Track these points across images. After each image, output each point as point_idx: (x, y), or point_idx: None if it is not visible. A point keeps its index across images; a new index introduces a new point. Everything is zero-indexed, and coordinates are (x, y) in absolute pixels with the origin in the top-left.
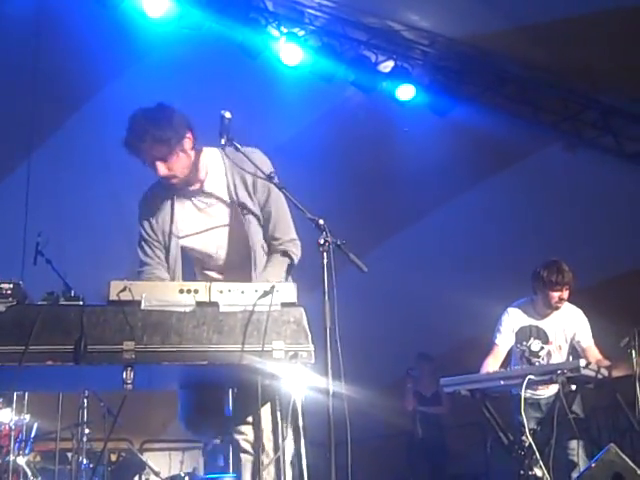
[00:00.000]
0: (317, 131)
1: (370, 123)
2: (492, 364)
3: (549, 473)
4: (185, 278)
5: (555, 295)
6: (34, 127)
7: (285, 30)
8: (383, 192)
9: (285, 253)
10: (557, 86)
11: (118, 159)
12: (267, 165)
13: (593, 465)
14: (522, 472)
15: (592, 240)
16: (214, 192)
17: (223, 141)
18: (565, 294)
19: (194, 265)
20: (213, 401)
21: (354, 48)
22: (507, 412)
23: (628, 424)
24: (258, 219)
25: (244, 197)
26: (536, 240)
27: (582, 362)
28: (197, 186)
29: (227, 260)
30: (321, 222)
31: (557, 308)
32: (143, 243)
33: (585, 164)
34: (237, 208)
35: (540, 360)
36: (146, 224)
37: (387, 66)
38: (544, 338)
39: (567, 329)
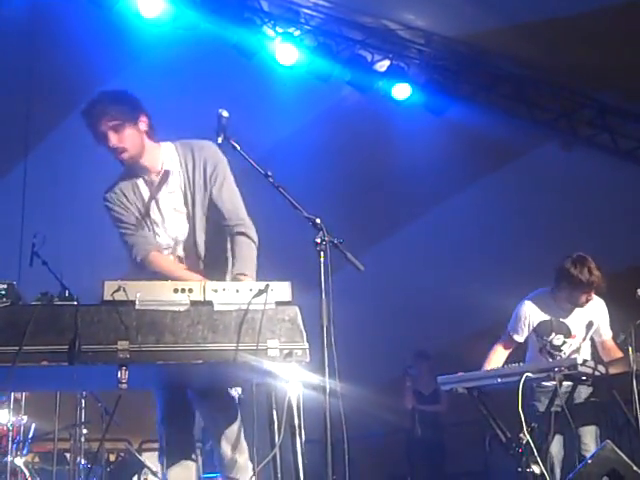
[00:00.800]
0: (313, 131)
1: (366, 122)
2: (501, 354)
3: (547, 470)
4: None
5: (583, 296)
6: (30, 128)
7: (280, 30)
8: (379, 191)
9: (244, 234)
10: (553, 84)
11: (115, 160)
12: (218, 156)
13: (589, 461)
14: (520, 469)
15: (589, 237)
16: (169, 187)
17: (220, 140)
18: (592, 295)
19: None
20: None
21: (350, 47)
22: (505, 409)
23: (625, 421)
24: (206, 216)
25: (198, 198)
26: (533, 238)
27: (579, 359)
28: (154, 176)
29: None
30: (318, 221)
31: (581, 307)
32: (123, 229)
33: (581, 162)
34: (188, 204)
35: (562, 354)
36: (117, 209)
37: (383, 65)
38: (566, 332)
39: (590, 322)
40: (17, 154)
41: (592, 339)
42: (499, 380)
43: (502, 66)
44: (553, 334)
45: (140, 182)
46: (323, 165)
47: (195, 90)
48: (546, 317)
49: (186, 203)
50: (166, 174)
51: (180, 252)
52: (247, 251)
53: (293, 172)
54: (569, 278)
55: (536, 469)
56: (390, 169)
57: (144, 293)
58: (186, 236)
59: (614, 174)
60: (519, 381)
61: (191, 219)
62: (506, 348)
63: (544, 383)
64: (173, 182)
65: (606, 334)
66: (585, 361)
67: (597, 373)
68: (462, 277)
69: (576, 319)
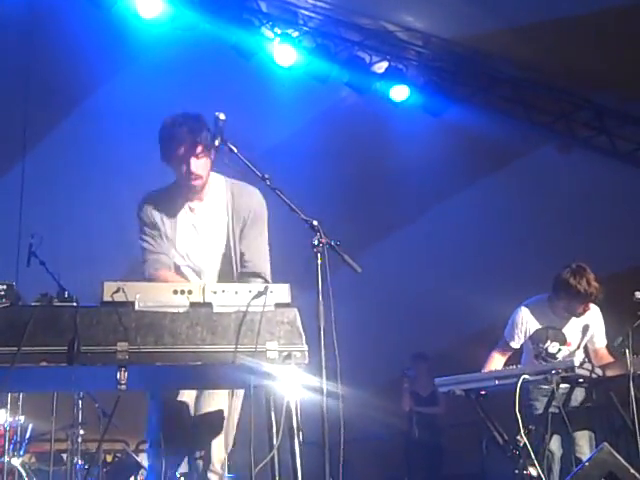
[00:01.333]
0: (311, 132)
1: (364, 123)
2: (498, 360)
3: (544, 472)
4: None
5: (581, 306)
6: (28, 128)
7: (279, 31)
8: (378, 192)
9: (263, 279)
10: (551, 86)
11: (113, 160)
12: (263, 208)
13: (587, 464)
14: (517, 471)
15: (587, 239)
16: (212, 219)
17: (217, 142)
18: (590, 305)
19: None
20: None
21: (348, 49)
22: (502, 411)
23: (622, 424)
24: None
25: (237, 234)
26: (531, 240)
27: (576, 361)
28: (198, 204)
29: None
30: (315, 223)
31: (578, 317)
32: (145, 236)
33: (579, 164)
34: (229, 244)
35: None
36: (147, 220)
37: (381, 67)
38: (562, 340)
39: (586, 330)
40: (15, 154)
41: (585, 346)
42: (497, 382)
43: (500, 68)
44: (549, 342)
45: (181, 206)
46: (320, 166)
47: (193, 91)
48: (542, 325)
49: (228, 241)
50: (212, 205)
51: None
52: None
53: (291, 173)
54: (568, 288)
55: (533, 471)
56: (388, 170)
57: (143, 294)
58: (211, 270)
59: (612, 176)
60: (516, 383)
61: (228, 255)
62: (503, 355)
63: (543, 386)
64: (215, 218)
65: (600, 342)
66: (582, 363)
67: (594, 376)
68: (460, 279)
69: (572, 327)
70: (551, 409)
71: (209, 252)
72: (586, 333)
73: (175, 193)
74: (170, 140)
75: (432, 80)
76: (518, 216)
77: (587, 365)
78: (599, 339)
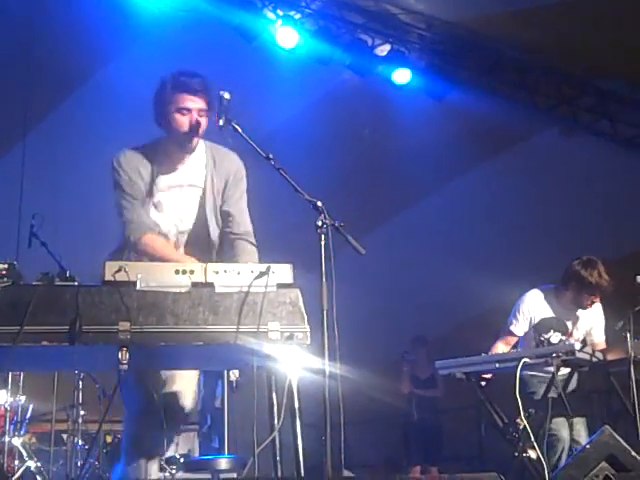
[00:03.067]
0: (313, 114)
1: (366, 106)
2: (501, 350)
3: (543, 455)
4: None
5: (590, 298)
6: (29, 109)
7: (281, 13)
8: (379, 176)
9: (250, 242)
10: (554, 70)
11: (114, 141)
12: (244, 172)
13: (587, 446)
14: (516, 454)
15: (588, 224)
16: (192, 179)
17: (222, 122)
18: (598, 298)
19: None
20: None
21: (350, 31)
22: (502, 394)
23: (623, 407)
24: (217, 217)
25: (218, 195)
26: (532, 224)
27: (577, 345)
28: (179, 164)
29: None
30: (319, 204)
31: (585, 308)
32: (123, 201)
33: (581, 148)
34: (204, 203)
35: None
36: (125, 177)
37: (383, 50)
38: (564, 331)
39: (588, 324)
40: (16, 136)
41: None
42: (497, 365)
43: (503, 51)
44: (552, 332)
45: (162, 162)
46: (322, 149)
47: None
48: (548, 314)
49: (202, 199)
50: (191, 167)
51: (183, 240)
52: (250, 256)
53: (293, 155)
54: (578, 279)
55: (532, 454)
56: (390, 153)
57: (145, 274)
58: (191, 228)
59: (614, 161)
60: (517, 367)
61: (203, 214)
62: (507, 344)
63: (539, 374)
64: (195, 177)
65: (598, 337)
66: (582, 347)
67: (594, 359)
68: (461, 263)
69: (574, 318)
70: (550, 394)
71: (184, 211)
72: (587, 326)
73: (160, 150)
74: (178, 86)
75: (434, 63)
76: (519, 200)
77: (587, 349)
78: (598, 334)
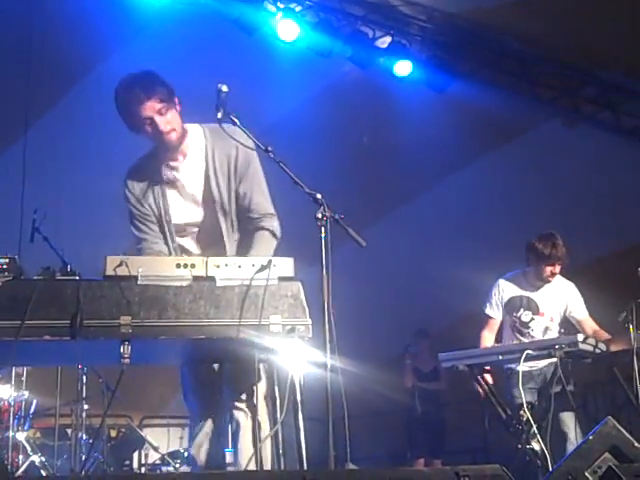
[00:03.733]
0: (314, 106)
1: (367, 98)
2: (488, 337)
3: (547, 447)
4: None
5: (548, 269)
6: (30, 104)
7: (282, 6)
8: (380, 168)
9: (267, 229)
10: (556, 62)
11: (115, 134)
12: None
13: (590, 437)
14: (519, 446)
15: (590, 215)
16: (190, 184)
17: (220, 115)
18: (557, 268)
19: (175, 240)
20: (211, 374)
21: (351, 24)
22: (503, 387)
23: (626, 398)
24: (228, 212)
25: (222, 185)
26: (535, 215)
27: (580, 337)
28: (179, 161)
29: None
30: (319, 196)
31: (548, 281)
32: (135, 221)
33: (583, 140)
34: (211, 201)
35: (530, 331)
36: (133, 200)
37: (384, 42)
38: (535, 309)
39: (559, 301)
40: (17, 130)
41: (570, 324)
42: (500, 357)
43: (505, 43)
44: (522, 310)
45: (164, 169)
46: (322, 141)
47: (195, 65)
48: (516, 293)
49: (207, 189)
50: (191, 158)
51: (193, 237)
52: (265, 245)
53: (294, 148)
54: (534, 252)
55: (536, 446)
56: (390, 146)
57: (146, 268)
58: (201, 221)
59: (616, 152)
60: (520, 358)
61: (210, 205)
62: (490, 330)
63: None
64: (196, 167)
65: (580, 314)
66: (586, 338)
67: (597, 350)
68: (463, 255)
69: (545, 297)
70: (554, 389)
71: (192, 206)
72: (560, 304)
73: (156, 156)
74: (127, 106)
75: (435, 55)
76: (522, 192)
77: (590, 340)
78: (578, 310)
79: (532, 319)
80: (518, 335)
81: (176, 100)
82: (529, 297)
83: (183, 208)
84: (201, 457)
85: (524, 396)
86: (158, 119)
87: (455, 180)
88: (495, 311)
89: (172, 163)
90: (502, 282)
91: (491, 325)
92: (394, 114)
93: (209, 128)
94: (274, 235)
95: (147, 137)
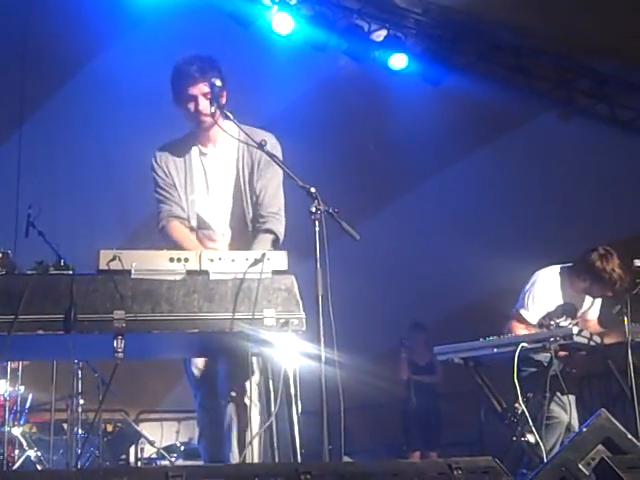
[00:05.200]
0: (310, 100)
1: (363, 92)
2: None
3: (541, 439)
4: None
5: (602, 292)
6: (26, 97)
7: None
8: (376, 161)
9: (268, 230)
10: (551, 54)
11: (111, 130)
12: (277, 150)
13: (584, 429)
14: (514, 439)
15: (586, 207)
16: (224, 160)
17: (213, 109)
18: (611, 294)
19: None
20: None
21: (347, 17)
22: (500, 379)
23: (620, 391)
24: (252, 199)
25: (249, 174)
26: (531, 207)
27: (575, 329)
28: (209, 148)
29: (223, 228)
30: (313, 190)
31: (596, 297)
32: (159, 188)
33: (579, 132)
34: (241, 183)
35: None
36: (160, 172)
37: (380, 35)
38: (573, 315)
39: (593, 306)
40: (12, 124)
41: None
42: (495, 350)
43: (500, 35)
44: (563, 317)
45: (194, 151)
46: (318, 135)
47: None
48: (560, 301)
49: (237, 182)
50: (223, 149)
51: (220, 227)
52: (262, 245)
53: (289, 142)
54: (593, 271)
55: (531, 438)
56: (386, 139)
57: (140, 262)
58: (230, 212)
59: (612, 144)
60: (515, 351)
61: (239, 198)
62: (523, 325)
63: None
64: (228, 159)
65: (593, 314)
66: (580, 331)
67: (592, 343)
68: (459, 248)
69: (583, 302)
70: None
71: (219, 194)
72: (592, 309)
73: (189, 140)
74: (180, 78)
75: (431, 48)
76: (518, 184)
77: (585, 333)
78: (593, 311)
79: (569, 323)
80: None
81: (224, 93)
82: (571, 304)
83: (209, 192)
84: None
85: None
86: (202, 100)
87: (451, 173)
88: (532, 315)
89: (202, 148)
90: (547, 286)
91: (522, 323)
92: (390, 107)
93: (243, 127)
94: (276, 239)
95: (185, 113)
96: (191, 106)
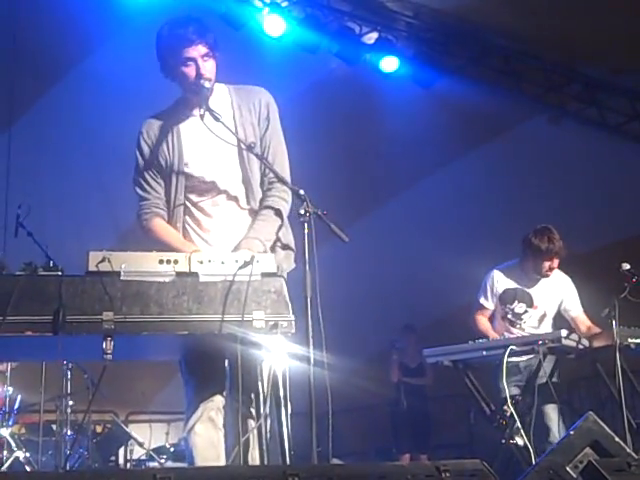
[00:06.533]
0: (301, 102)
1: (354, 94)
2: (483, 321)
3: (530, 442)
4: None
5: (546, 264)
6: (15, 98)
7: (268, 1)
8: (367, 164)
9: (276, 211)
10: (541, 58)
11: (100, 130)
12: (274, 105)
13: (571, 432)
14: (503, 441)
15: (576, 211)
16: (221, 119)
17: (202, 111)
18: (555, 263)
19: (182, 193)
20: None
21: (338, 19)
22: (489, 382)
23: (608, 394)
24: (258, 158)
25: (250, 133)
26: (522, 210)
27: (563, 332)
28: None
29: (222, 189)
30: (301, 192)
31: (546, 276)
32: (140, 178)
33: (569, 136)
34: (241, 144)
35: (522, 323)
36: (145, 148)
37: (371, 37)
38: (529, 302)
39: (554, 295)
40: (1, 124)
41: (564, 318)
42: (484, 353)
43: (491, 39)
44: (516, 302)
45: (187, 115)
46: (309, 137)
47: None
48: (511, 286)
49: (239, 148)
50: (218, 111)
51: (221, 195)
52: (267, 228)
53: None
54: (531, 247)
55: (519, 441)
56: (377, 142)
57: (129, 264)
58: (233, 179)
59: (602, 148)
60: (504, 354)
61: (244, 161)
62: (485, 316)
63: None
64: (224, 118)
65: (575, 310)
66: (569, 334)
67: (580, 347)
68: (449, 250)
69: (540, 290)
70: (539, 381)
71: (221, 157)
72: (554, 298)
73: (180, 106)
74: (173, 43)
75: (422, 51)
76: (507, 187)
77: (574, 336)
78: (573, 306)
79: (525, 311)
80: (509, 326)
81: (217, 54)
82: (524, 289)
83: (204, 159)
84: (195, 441)
85: (508, 390)
86: (200, 63)
87: (441, 176)
88: (487, 301)
89: (196, 112)
90: (497, 273)
91: (484, 313)
92: (381, 110)
93: (233, 86)
94: (278, 213)
95: (179, 81)
96: (189, 70)
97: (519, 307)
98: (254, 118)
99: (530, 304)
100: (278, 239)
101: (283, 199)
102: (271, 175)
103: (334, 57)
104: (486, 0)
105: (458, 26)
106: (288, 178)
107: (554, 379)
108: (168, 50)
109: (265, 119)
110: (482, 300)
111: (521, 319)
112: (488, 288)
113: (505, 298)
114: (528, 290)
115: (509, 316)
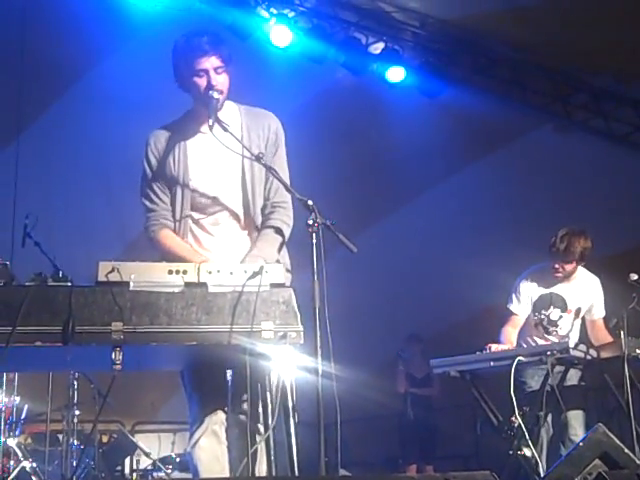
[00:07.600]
0: (307, 113)
1: (360, 105)
2: (512, 332)
3: (539, 453)
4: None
5: (563, 266)
6: (22, 108)
7: (275, 11)
8: (373, 174)
9: (277, 230)
10: (547, 68)
11: (107, 140)
12: (281, 130)
13: (581, 444)
14: (511, 452)
15: (582, 221)
16: (229, 129)
17: (210, 122)
18: (567, 266)
19: (188, 206)
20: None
21: (344, 30)
22: (497, 393)
23: (617, 405)
24: (266, 168)
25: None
26: (527, 221)
27: (571, 343)
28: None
29: (224, 206)
30: (310, 203)
31: (555, 278)
32: (148, 189)
33: (575, 146)
34: (248, 160)
35: (558, 329)
36: (153, 159)
37: (377, 48)
38: (563, 307)
39: (586, 297)
40: (9, 135)
41: (583, 318)
42: (491, 364)
43: (497, 49)
44: (551, 308)
45: (196, 130)
46: (315, 147)
47: None
48: (546, 291)
49: (243, 166)
50: (225, 123)
51: (222, 214)
52: (268, 248)
53: (287, 154)
54: (551, 248)
55: (527, 452)
56: (384, 152)
57: (138, 274)
58: (235, 198)
59: (608, 158)
60: (511, 365)
61: (246, 183)
62: (514, 326)
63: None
64: (230, 141)
65: (598, 314)
66: (577, 345)
67: (589, 357)
68: (457, 260)
69: (572, 292)
70: (546, 388)
71: (225, 175)
72: (586, 301)
73: (189, 119)
74: (188, 53)
75: (428, 61)
76: (514, 198)
77: (582, 346)
78: (598, 310)
79: (560, 317)
80: (544, 333)
81: (230, 69)
82: (558, 293)
83: (208, 176)
84: (200, 455)
85: (531, 380)
86: (212, 74)
87: (447, 186)
88: (522, 309)
89: (203, 128)
90: (531, 277)
91: (514, 322)
92: (387, 120)
93: (243, 107)
94: (280, 232)
95: (191, 92)
96: (200, 81)
97: (554, 313)
98: (262, 142)
99: (564, 309)
100: (277, 260)
101: (285, 223)
102: (275, 200)
103: (340, 67)
104: (492, 10)
105: (464, 36)
106: (290, 206)
107: (583, 382)
108: (182, 60)
109: (273, 145)
110: (512, 306)
111: (557, 325)
112: (521, 293)
113: (540, 304)
114: (561, 293)
115: (544, 323)
